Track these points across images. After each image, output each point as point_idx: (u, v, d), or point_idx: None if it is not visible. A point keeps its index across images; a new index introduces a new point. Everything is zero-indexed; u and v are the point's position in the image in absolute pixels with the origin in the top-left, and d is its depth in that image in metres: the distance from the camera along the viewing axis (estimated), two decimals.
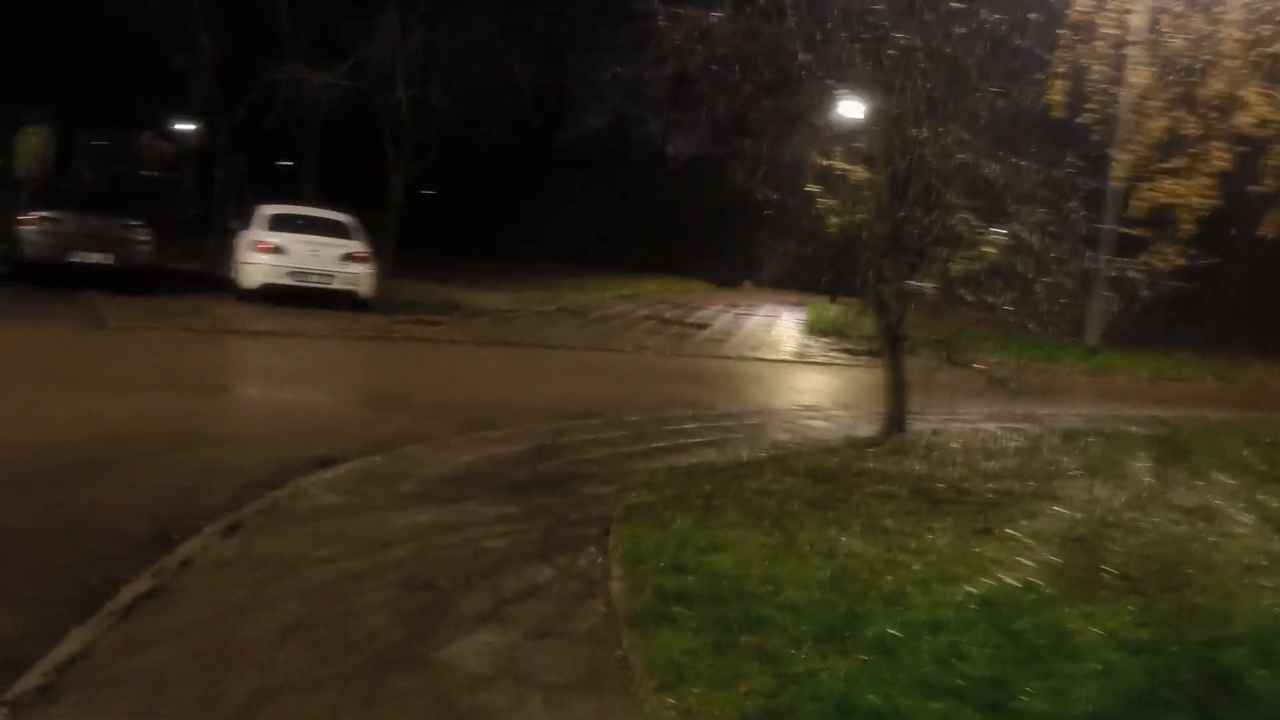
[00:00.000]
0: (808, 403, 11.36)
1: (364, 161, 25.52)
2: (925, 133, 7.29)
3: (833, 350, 16.78)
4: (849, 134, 25.34)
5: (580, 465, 6.91)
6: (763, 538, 4.82)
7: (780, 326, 20.16)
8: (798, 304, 26.91)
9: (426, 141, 21.35)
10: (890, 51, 7.58)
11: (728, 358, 14.67)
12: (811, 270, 38.62)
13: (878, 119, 8.42)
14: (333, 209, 15.71)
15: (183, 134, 26.11)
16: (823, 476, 6.27)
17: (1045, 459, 7.43)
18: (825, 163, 27.11)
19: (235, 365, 10.26)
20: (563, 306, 19.85)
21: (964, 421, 9.35)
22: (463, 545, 4.86)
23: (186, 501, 5.50)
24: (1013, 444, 8.05)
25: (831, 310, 25.13)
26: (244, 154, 22.68)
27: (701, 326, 18.40)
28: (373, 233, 16.26)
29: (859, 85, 8.31)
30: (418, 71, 20.68)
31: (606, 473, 6.68)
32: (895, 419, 8.29)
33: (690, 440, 8.23)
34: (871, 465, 6.68)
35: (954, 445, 7.66)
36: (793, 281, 38.96)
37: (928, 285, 7.80)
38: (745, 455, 7.34)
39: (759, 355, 15.16)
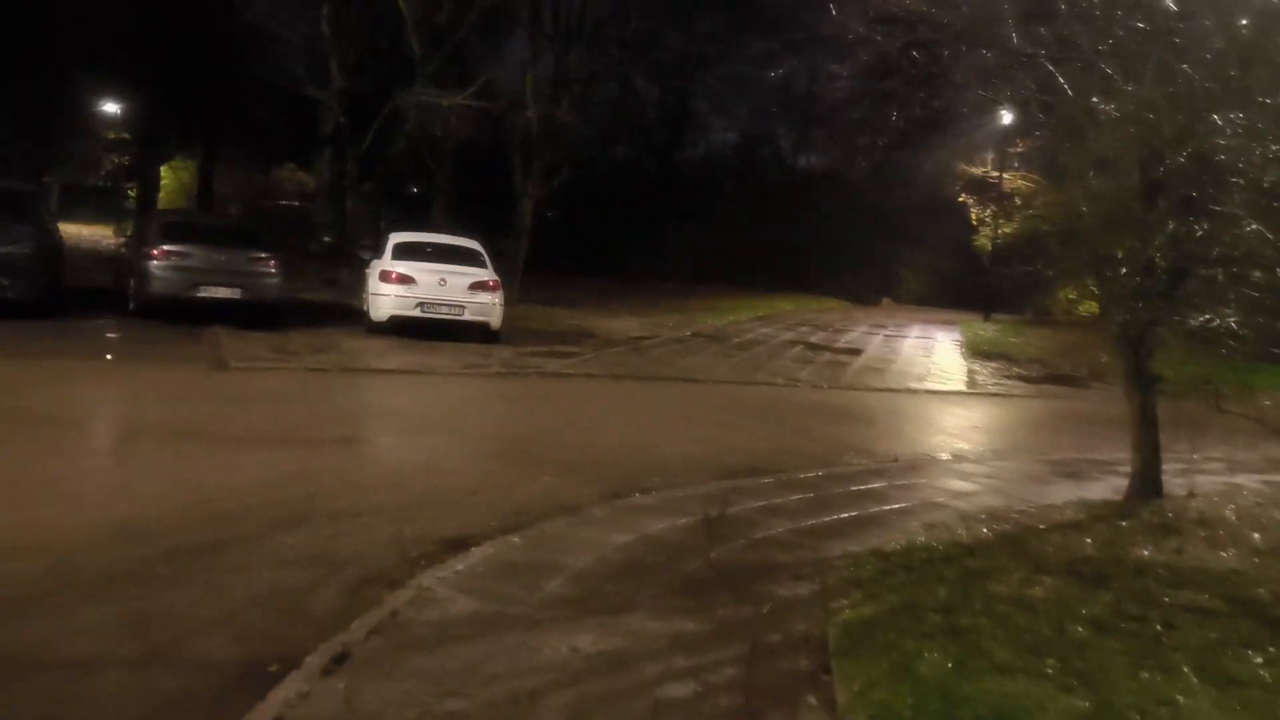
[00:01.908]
0: (1000, 446, 9.75)
1: (493, 185, 25.06)
2: (1200, 124, 5.69)
3: (1005, 378, 15.01)
4: (1005, 139, 23.25)
5: (762, 549, 5.61)
6: (1062, 697, 3.40)
7: (939, 350, 18.40)
8: (948, 323, 25.02)
9: (556, 163, 20.57)
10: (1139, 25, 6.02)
11: (892, 390, 13.12)
12: (957, 286, 36.65)
13: (1124, 108, 6.77)
14: (462, 234, 14.92)
15: (319, 164, 26.13)
16: (1090, 574, 4.78)
17: None
18: (980, 171, 25.13)
19: (359, 411, 9.37)
20: (698, 331, 18.63)
21: (1221, 475, 7.64)
22: (636, 693, 3.61)
23: (291, 608, 4.44)
24: None
25: (989, 330, 23.20)
26: (374, 181, 22.37)
27: (854, 352, 16.86)
28: (501, 257, 15.42)
29: (1091, 64, 6.69)
30: (547, 91, 19.90)
31: (798, 560, 5.36)
32: (1148, 480, 6.69)
33: (884, 506, 6.82)
34: (1146, 553, 5.15)
35: (1236, 517, 6.02)
36: (936, 298, 36.81)
37: (1201, 318, 6.16)
38: (964, 532, 5.90)
39: (926, 386, 13.56)
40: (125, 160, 31.50)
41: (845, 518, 6.43)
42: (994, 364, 16.45)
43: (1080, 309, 33.46)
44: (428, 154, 20.83)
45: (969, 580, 4.68)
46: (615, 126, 35.12)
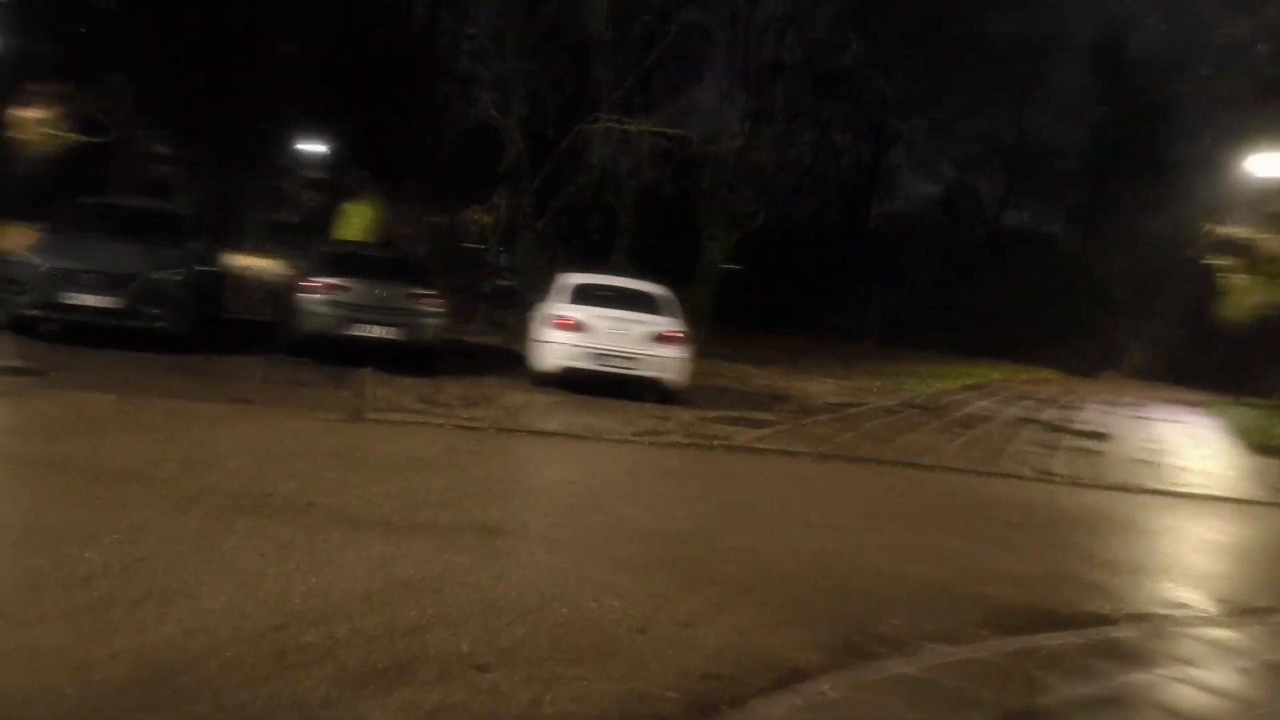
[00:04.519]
0: None
1: (677, 231, 23.46)
2: None
3: None
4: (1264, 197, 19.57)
5: None
6: None
7: (1202, 439, 15.13)
8: (1192, 404, 21.36)
9: (749, 206, 18.65)
10: None
11: (1176, 493, 10.24)
12: (1188, 362, 32.22)
13: None
14: (646, 279, 13.17)
15: (496, 200, 25.28)
16: None
17: None
18: (1233, 232, 21.26)
19: (508, 486, 7.50)
20: (907, 401, 16.11)
21: None
22: None
23: None
24: None
25: (1250, 415, 19.48)
26: (550, 218, 21.09)
27: (1100, 436, 13.92)
28: (684, 307, 13.55)
29: None
30: (745, 126, 18.08)
31: None
32: None
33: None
34: None
35: None
36: (1163, 374, 32.50)
37: None
38: None
39: (1221, 492, 10.58)
40: (317, 199, 32.01)
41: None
42: None
43: None
44: (610, 190, 19.33)
45: None
46: (809, 175, 33.04)
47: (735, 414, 11.96)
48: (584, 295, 12.37)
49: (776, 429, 11.39)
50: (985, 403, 17.05)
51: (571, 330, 11.84)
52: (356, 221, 30.07)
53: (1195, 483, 10.93)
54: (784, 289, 32.11)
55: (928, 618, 5.24)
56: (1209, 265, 28.02)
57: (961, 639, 4.93)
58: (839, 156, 36.78)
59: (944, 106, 36.60)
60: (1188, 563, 7.45)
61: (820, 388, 16.10)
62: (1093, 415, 16.67)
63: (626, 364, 11.81)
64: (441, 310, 12.37)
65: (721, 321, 21.70)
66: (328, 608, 4.35)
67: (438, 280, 13.19)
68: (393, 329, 11.84)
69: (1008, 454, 11.43)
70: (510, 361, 13.70)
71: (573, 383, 11.84)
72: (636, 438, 9.90)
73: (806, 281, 32.93)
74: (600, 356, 11.75)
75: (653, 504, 7.36)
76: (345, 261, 12.48)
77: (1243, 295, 26.36)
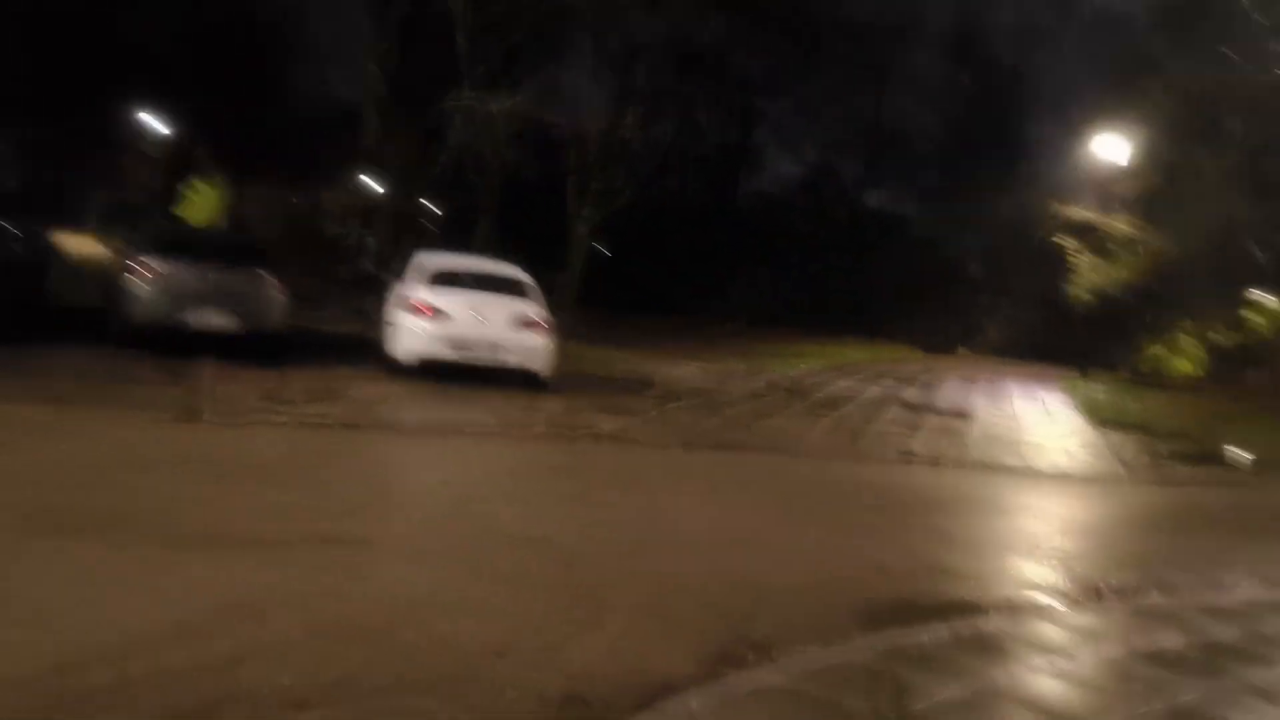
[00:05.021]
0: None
1: (542, 214, 22.92)
2: None
3: (1161, 458, 12.32)
4: (1107, 180, 20.59)
5: None
6: None
7: (1060, 417, 15.71)
8: (1044, 379, 22.30)
9: (614, 186, 18.29)
10: None
11: (1039, 474, 10.48)
12: (1039, 338, 33.73)
13: None
14: (507, 262, 12.68)
15: (361, 186, 24.16)
16: None
17: None
18: (1082, 214, 22.39)
19: (356, 490, 6.94)
20: (773, 383, 16.17)
21: None
22: None
23: None
24: None
25: (1097, 391, 20.44)
26: (412, 200, 20.22)
27: (961, 415, 14.25)
28: (549, 292, 13.13)
29: None
30: (609, 106, 17.68)
31: None
32: None
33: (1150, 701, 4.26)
34: None
35: None
36: (1015, 350, 33.92)
37: None
38: None
39: (1076, 469, 10.90)
40: (160, 179, 30.12)
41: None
42: (1133, 437, 13.72)
43: (1173, 367, 30.54)
44: (473, 170, 18.64)
45: None
46: (674, 156, 32.92)
47: (602, 401, 11.65)
48: (442, 279, 11.80)
49: (643, 417, 11.13)
50: (848, 383, 17.29)
51: (429, 316, 11.27)
52: (201, 203, 28.31)
53: (1052, 460, 11.25)
54: (651, 271, 31.98)
55: (799, 616, 5.06)
56: (1057, 246, 29.38)
57: (832, 638, 4.74)
58: (705, 136, 36.84)
59: (808, 88, 37.11)
60: (1050, 543, 7.54)
61: (686, 372, 15.97)
62: (951, 393, 17.12)
63: (489, 352, 11.32)
64: (285, 296, 11.57)
65: (588, 304, 21.39)
66: (127, 642, 3.80)
67: (288, 264, 12.37)
68: (232, 317, 11.01)
69: (871, 435, 11.51)
70: (367, 351, 13.00)
71: (431, 373, 11.28)
72: (502, 431, 9.47)
73: (674, 263, 32.91)
74: (460, 344, 11.22)
75: (519, 505, 6.95)
76: (180, 244, 11.53)
77: (1088, 275, 27.73)
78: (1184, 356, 30.42)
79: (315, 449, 7.83)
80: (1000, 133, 40.52)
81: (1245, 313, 27.31)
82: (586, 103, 17.27)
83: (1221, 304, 27.39)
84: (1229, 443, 13.85)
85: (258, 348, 11.17)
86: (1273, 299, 26.65)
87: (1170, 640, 5.06)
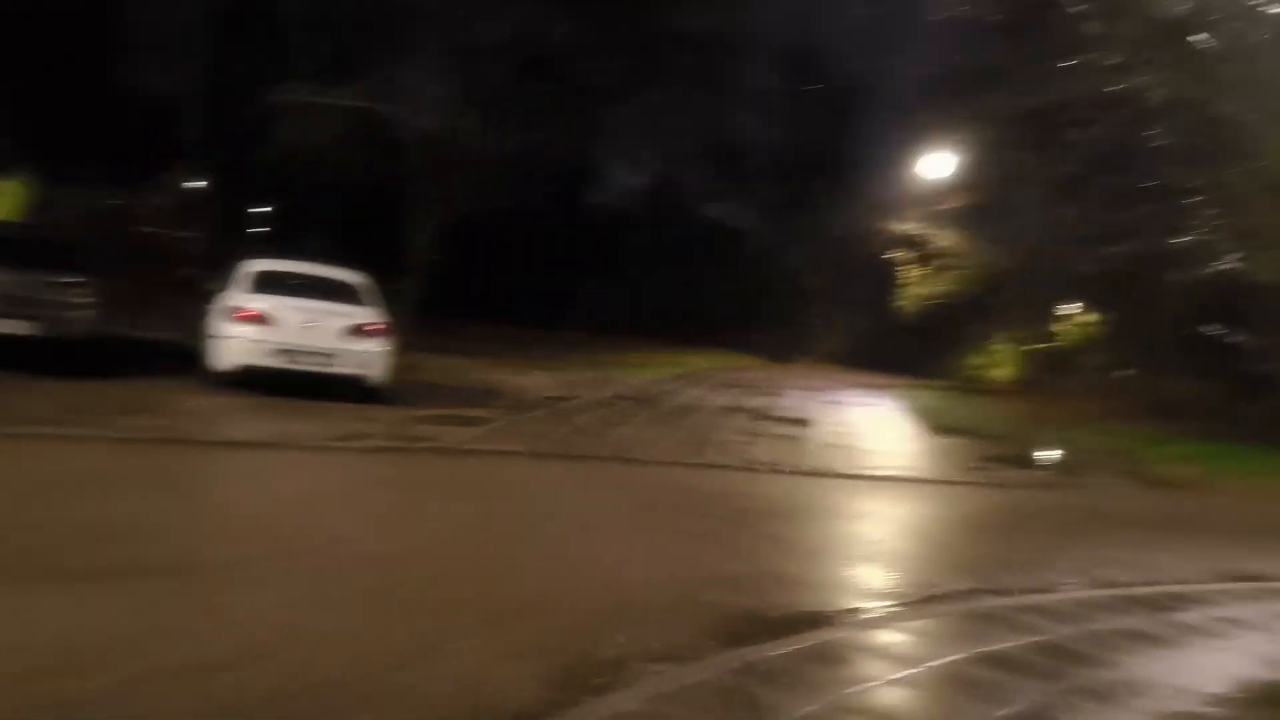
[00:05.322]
0: (1124, 576, 7.25)
1: (381, 218, 22.15)
2: None
3: (988, 460, 12.93)
4: (934, 196, 21.66)
5: None
6: None
7: (895, 422, 16.27)
8: (879, 387, 23.17)
9: (457, 191, 17.79)
10: None
11: (877, 477, 10.76)
12: (872, 347, 35.17)
13: None
14: (340, 267, 12.08)
15: (185, 185, 22.65)
16: None
17: None
18: (908, 229, 23.50)
19: (170, 514, 6.33)
20: (620, 392, 16.09)
21: None
22: None
23: None
24: None
25: (929, 397, 21.40)
26: (237, 198, 19.09)
27: (802, 422, 14.54)
28: (391, 299, 12.59)
29: None
30: (452, 107, 17.17)
31: None
32: None
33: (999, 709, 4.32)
34: None
35: None
36: (850, 359, 35.18)
37: None
38: None
39: (911, 473, 11.25)
40: None
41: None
42: (964, 440, 14.37)
43: (995, 374, 32.47)
44: (304, 170, 17.76)
45: None
46: (517, 163, 32.48)
47: (446, 412, 11.23)
48: (269, 283, 11.11)
49: (490, 427, 10.80)
50: (694, 391, 17.41)
51: (254, 323, 10.57)
52: (2, 201, 25.95)
53: (888, 464, 11.59)
54: (497, 278, 31.42)
55: (651, 632, 4.90)
56: (887, 258, 30.75)
57: (685, 656, 4.61)
58: (549, 144, 36.59)
59: (650, 98, 37.42)
60: (889, 548, 7.70)
61: (534, 381, 15.69)
62: (792, 401, 17.48)
63: (320, 361, 10.71)
64: (93, 300, 10.63)
65: (433, 313, 20.75)
66: None
67: (103, 266, 11.39)
68: (31, 322, 10.00)
69: (715, 444, 11.56)
70: (190, 361, 12.09)
71: (258, 384, 10.57)
72: (336, 444, 8.95)
73: (521, 272, 32.48)
74: (289, 353, 10.57)
75: (357, 521, 6.53)
76: None
77: (916, 287, 29.14)
78: (1004, 364, 32.42)
79: (130, 466, 7.16)
80: (836, 147, 42.08)
81: (1058, 323, 29.36)
82: (429, 105, 16.64)
83: (1039, 314, 29.33)
84: (1046, 445, 14.74)
85: (64, 357, 10.19)
86: (1079, 310, 28.75)
87: (1006, 642, 5.18)
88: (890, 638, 5.30)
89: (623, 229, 39.41)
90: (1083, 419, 19.61)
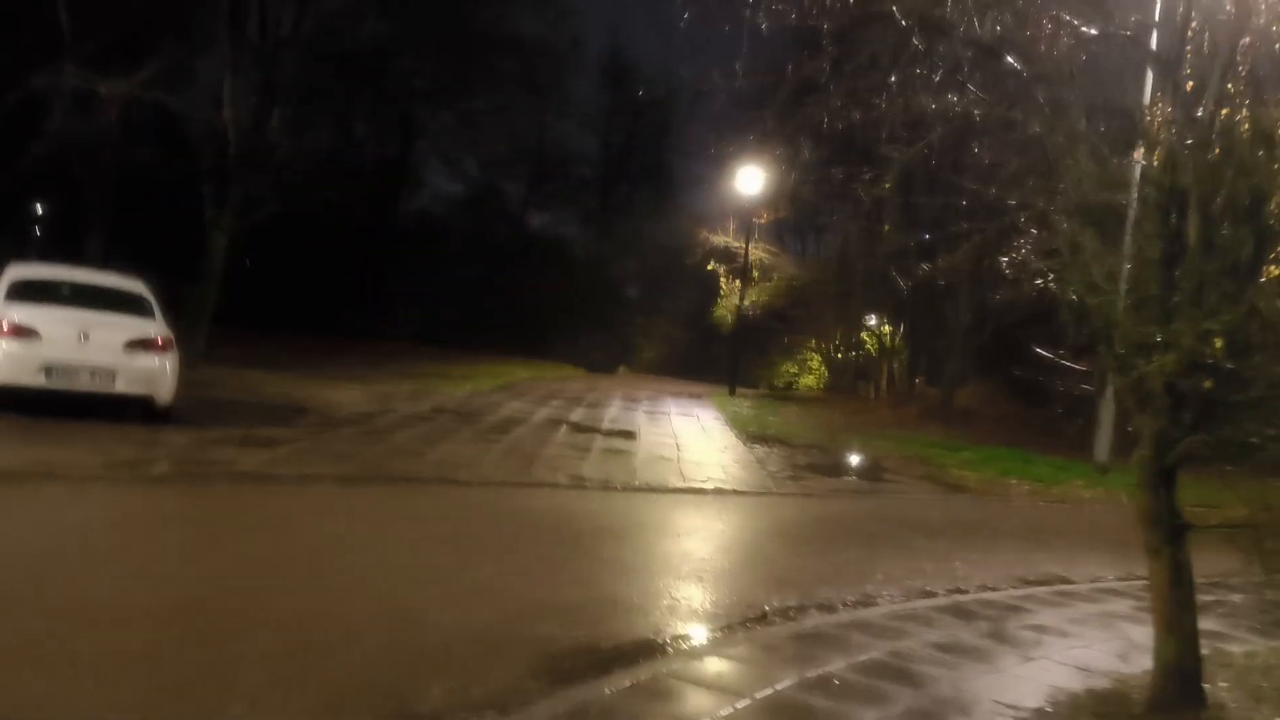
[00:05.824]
0: (936, 585, 7.32)
1: (174, 221, 20.49)
2: None
3: (798, 468, 13.16)
4: (750, 209, 22.19)
5: None
6: None
7: (713, 433, 16.35)
8: (698, 396, 23.43)
9: (258, 193, 16.60)
10: None
11: (702, 490, 10.64)
12: (690, 356, 35.73)
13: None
14: (119, 274, 10.93)
15: None
16: None
17: None
18: (724, 241, 24.00)
19: None
20: (439, 406, 15.47)
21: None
22: None
23: None
24: None
25: (743, 407, 21.79)
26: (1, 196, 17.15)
27: (627, 435, 14.36)
28: (183, 307, 11.52)
29: None
30: (251, 102, 15.99)
31: None
32: (1183, 680, 4.53)
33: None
34: None
35: None
36: (670, 367, 35.59)
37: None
38: None
39: (732, 485, 11.22)
40: None
41: None
42: (775, 450, 14.61)
43: (802, 381, 33.70)
44: (81, 165, 16.11)
45: None
46: (329, 165, 30.95)
47: (243, 432, 10.33)
48: (32, 292, 9.90)
49: (293, 448, 10.00)
50: (518, 404, 16.96)
51: (17, 337, 9.36)
52: None
53: (712, 476, 11.54)
54: (304, 286, 29.81)
55: (473, 676, 4.50)
56: (707, 269, 31.29)
57: (509, 703, 4.22)
58: (363, 146, 35.19)
59: (472, 103, 36.66)
60: (715, 565, 7.54)
61: (346, 396, 14.81)
62: (618, 414, 17.31)
63: (96, 379, 9.60)
64: None
65: (232, 323, 19.36)
66: None
67: None
68: None
69: (541, 460, 11.17)
70: None
71: (19, 404, 9.38)
72: (111, 473, 7.99)
73: (330, 278, 30.95)
74: (56, 370, 9.42)
75: (135, 569, 5.72)
76: None
77: (731, 297, 29.78)
78: (810, 372, 33.70)
79: None
80: (658, 158, 42.61)
81: (860, 335, 30.76)
82: (227, 98, 15.42)
83: (846, 326, 30.61)
84: (853, 453, 15.24)
85: None
86: (875, 323, 30.25)
87: (834, 664, 5.06)
88: (721, 666, 5.08)
89: (444, 236, 38.38)
90: (885, 425, 20.49)
